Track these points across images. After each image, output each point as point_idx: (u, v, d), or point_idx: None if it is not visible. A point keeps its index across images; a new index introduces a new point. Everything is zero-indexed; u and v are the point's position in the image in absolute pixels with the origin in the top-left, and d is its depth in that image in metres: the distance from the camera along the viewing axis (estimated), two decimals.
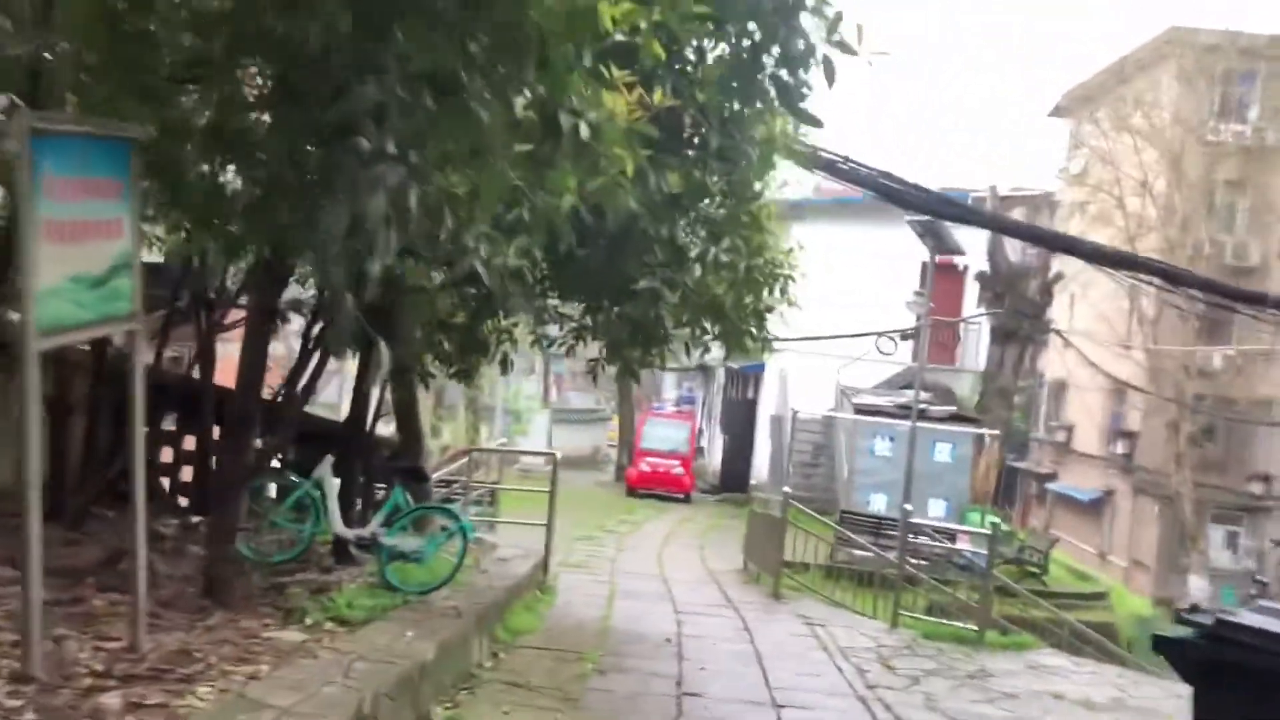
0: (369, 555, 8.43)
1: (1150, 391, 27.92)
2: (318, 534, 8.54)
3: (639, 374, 10.21)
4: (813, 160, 9.34)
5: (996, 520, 22.02)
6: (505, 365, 10.62)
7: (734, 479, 30.73)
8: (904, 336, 25.74)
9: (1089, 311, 29.64)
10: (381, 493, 9.64)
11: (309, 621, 6.01)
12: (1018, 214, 26.53)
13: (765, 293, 9.36)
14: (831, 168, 9.65)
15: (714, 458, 36.72)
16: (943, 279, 27.59)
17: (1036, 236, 10.76)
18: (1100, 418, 33.64)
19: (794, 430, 23.85)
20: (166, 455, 9.42)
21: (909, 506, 12.88)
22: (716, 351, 10.78)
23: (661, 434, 29.49)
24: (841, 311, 25.63)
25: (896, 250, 26.64)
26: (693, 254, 8.63)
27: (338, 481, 8.86)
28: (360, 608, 6.59)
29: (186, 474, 9.49)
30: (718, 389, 38.06)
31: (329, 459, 8.49)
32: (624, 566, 14.55)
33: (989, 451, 24.28)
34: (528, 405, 30.93)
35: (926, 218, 16.57)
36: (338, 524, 8.38)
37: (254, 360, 6.64)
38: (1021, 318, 24.19)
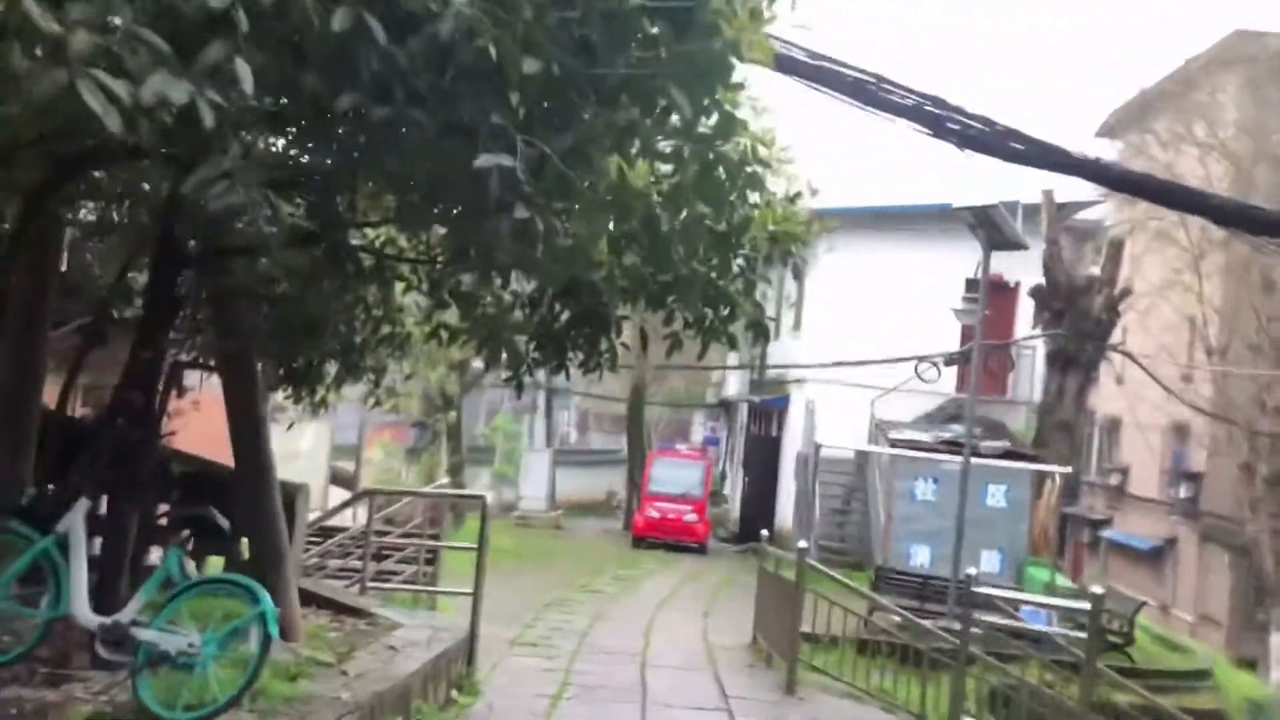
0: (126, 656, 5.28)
1: (1233, 422, 24.41)
2: (58, 619, 5.49)
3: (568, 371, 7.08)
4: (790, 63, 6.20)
5: (1048, 570, 18.70)
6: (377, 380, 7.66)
7: (756, 526, 27.27)
8: (949, 361, 22.50)
9: (1147, 342, 26.40)
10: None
11: None
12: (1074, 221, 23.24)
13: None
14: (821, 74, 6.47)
15: (734, 501, 33.36)
16: (992, 298, 24.31)
17: (1100, 174, 7.70)
18: (1160, 458, 30.33)
19: (818, 469, 20.56)
20: None
21: (971, 571, 9.59)
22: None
23: (671, 475, 26.18)
24: (876, 338, 22.43)
25: (938, 269, 23.47)
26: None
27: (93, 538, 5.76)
28: None
29: None
30: (740, 426, 34.75)
31: (82, 503, 5.38)
32: (596, 643, 11.32)
33: (1049, 494, 20.82)
34: (510, 442, 27.72)
35: (981, 205, 13.39)
36: (79, 605, 5.29)
37: None
38: (1084, 340, 20.80)
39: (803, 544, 10.02)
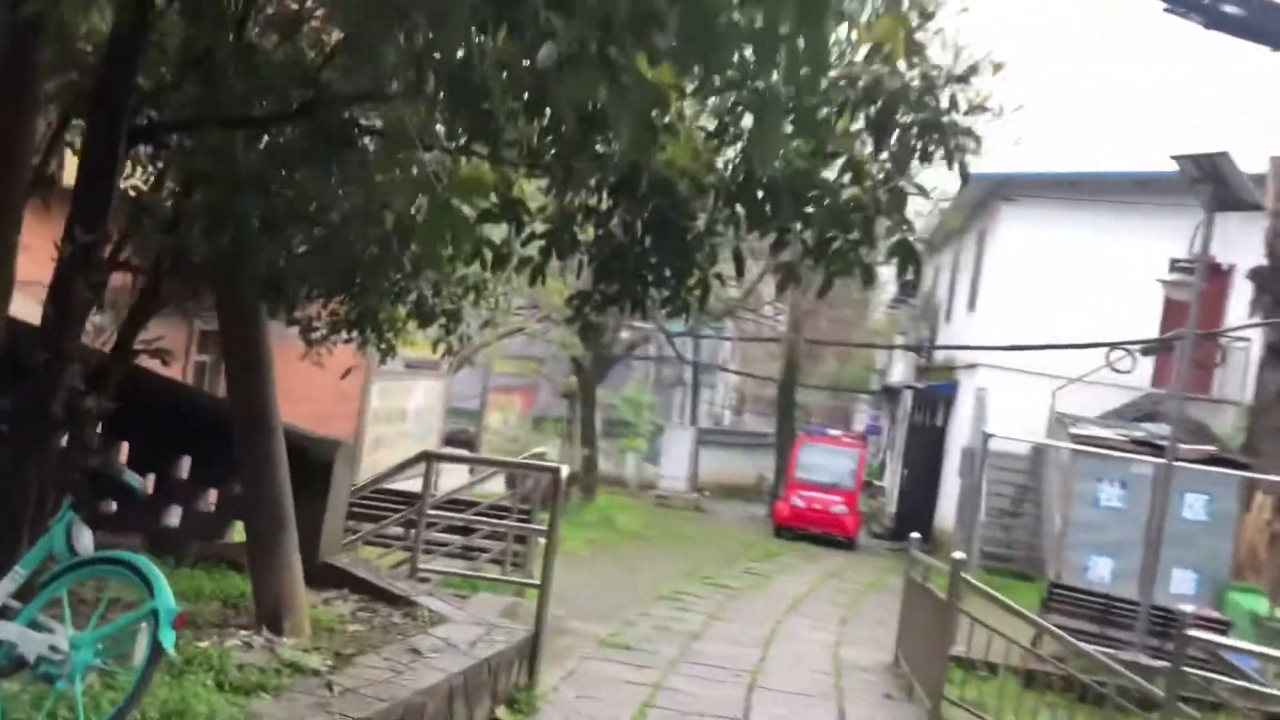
0: None
1: None
2: None
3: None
4: None
5: (1257, 598, 16.00)
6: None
7: (913, 524, 24.95)
8: (1147, 350, 19.73)
9: None
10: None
11: None
12: None
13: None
14: None
15: (891, 495, 30.98)
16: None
17: None
18: None
19: (985, 463, 18.19)
20: None
21: (1187, 607, 7.42)
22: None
23: (821, 462, 24.07)
24: (1060, 322, 19.85)
25: (1135, 247, 20.63)
26: None
27: None
28: None
29: None
30: (903, 415, 32.27)
31: None
32: (702, 651, 9.56)
33: (1259, 509, 17.91)
34: (640, 415, 25.98)
35: (1202, 152, 10.90)
36: None
37: None
38: None
39: (959, 555, 8.00)
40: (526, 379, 19.82)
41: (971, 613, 8.22)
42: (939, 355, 27.99)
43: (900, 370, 37.78)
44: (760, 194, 4.64)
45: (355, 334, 7.94)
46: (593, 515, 18.54)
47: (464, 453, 12.15)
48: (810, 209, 4.69)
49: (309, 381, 11.49)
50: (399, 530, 9.69)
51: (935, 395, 26.36)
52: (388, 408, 13.35)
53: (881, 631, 11.60)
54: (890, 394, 38.60)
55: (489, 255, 5.44)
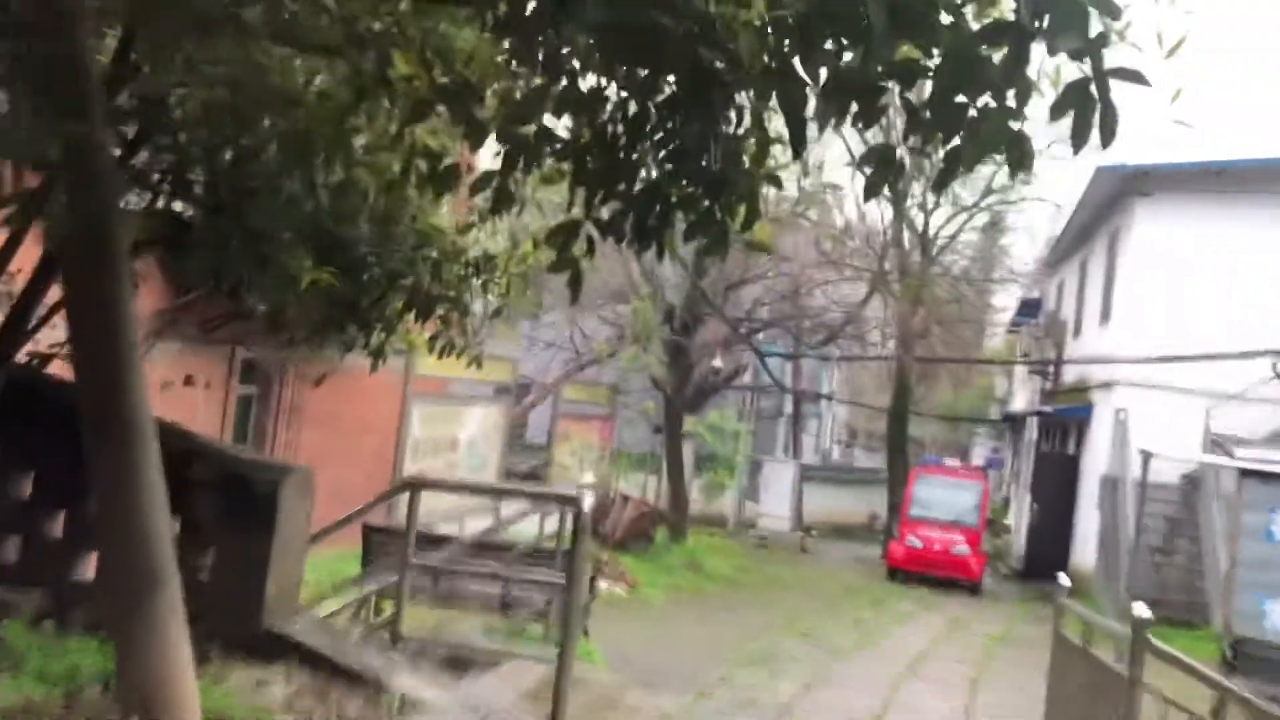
0: None
1: None
2: None
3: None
4: None
5: None
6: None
7: (1045, 563, 22.31)
8: None
9: None
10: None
11: None
12: None
13: None
14: None
15: (1019, 532, 28.19)
16: None
17: None
18: None
19: (1143, 491, 15.67)
20: None
21: None
22: None
23: (938, 497, 21.60)
24: (1209, 333, 17.26)
25: None
26: None
27: None
28: None
29: None
30: (1027, 444, 29.51)
31: None
32: None
33: None
34: (726, 444, 23.70)
35: None
36: None
37: None
38: None
39: (1142, 610, 5.82)
40: (604, 408, 17.99)
41: (1151, 683, 6.04)
42: (1069, 376, 25.32)
43: (1023, 396, 34.95)
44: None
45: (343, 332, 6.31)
46: (679, 558, 16.55)
47: (466, 481, 10.28)
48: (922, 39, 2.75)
49: (337, 408, 9.77)
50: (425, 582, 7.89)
51: (1065, 420, 23.72)
52: (433, 437, 11.65)
53: (1023, 699, 9.36)
54: (1012, 422, 35.73)
55: (424, 168, 3.60)
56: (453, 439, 12.23)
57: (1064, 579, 8.13)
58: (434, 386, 11.62)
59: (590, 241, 3.50)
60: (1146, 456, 15.31)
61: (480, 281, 5.85)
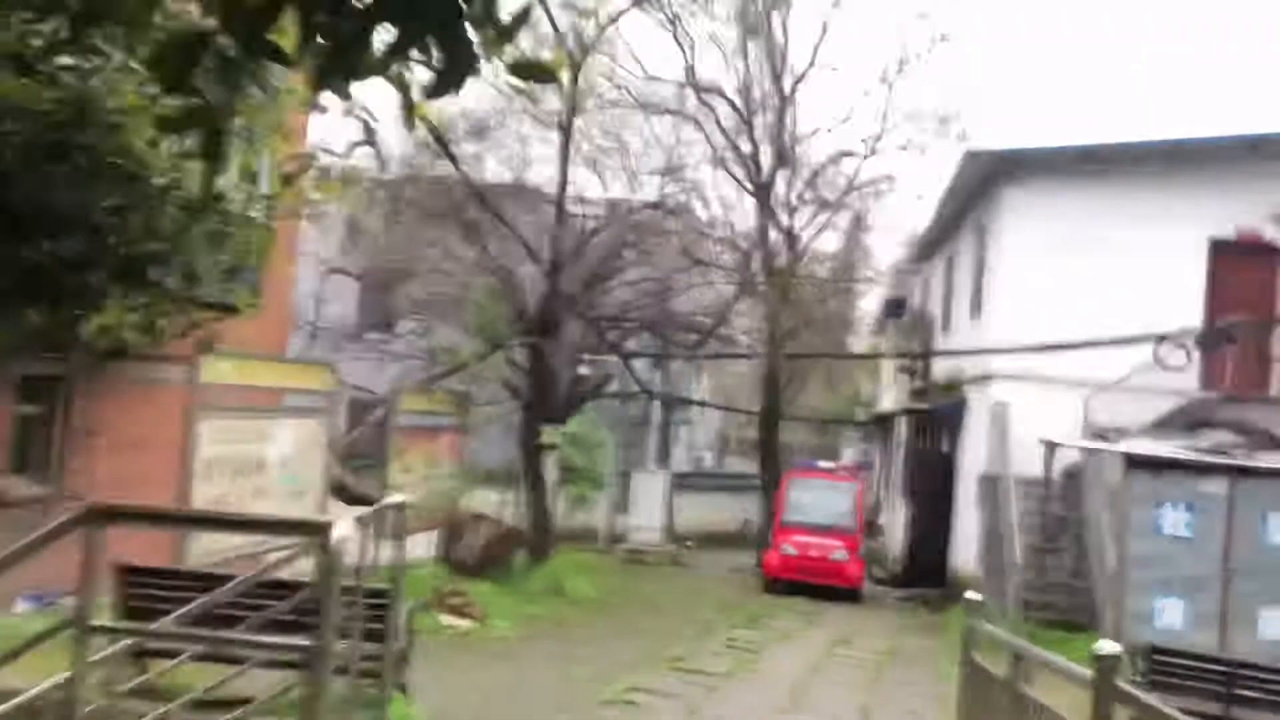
0: None
1: None
2: None
3: None
4: None
5: None
6: None
7: (925, 567, 21.51)
8: (1204, 342, 16.47)
9: None
10: None
11: None
12: None
13: None
14: None
15: (894, 535, 27.49)
16: (1251, 263, 18.09)
17: None
18: None
19: (1050, 483, 14.75)
20: None
21: None
22: None
23: (814, 501, 20.56)
24: (1085, 322, 16.58)
25: (1169, 230, 17.47)
26: None
27: None
28: None
29: None
30: (897, 443, 28.86)
31: None
32: None
33: None
34: (586, 454, 22.22)
35: None
36: None
37: None
38: None
39: (1108, 647, 4.50)
40: (455, 419, 16.27)
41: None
42: (940, 373, 24.66)
43: (891, 396, 34.44)
44: None
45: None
46: (540, 582, 14.99)
47: (171, 510, 8.46)
48: None
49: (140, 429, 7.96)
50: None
51: (938, 417, 22.98)
52: (230, 457, 9.83)
53: None
54: (882, 423, 35.20)
55: None
56: (259, 459, 10.41)
57: (973, 597, 6.86)
58: (232, 397, 9.80)
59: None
60: (1051, 447, 14.44)
61: (205, 231, 4.21)
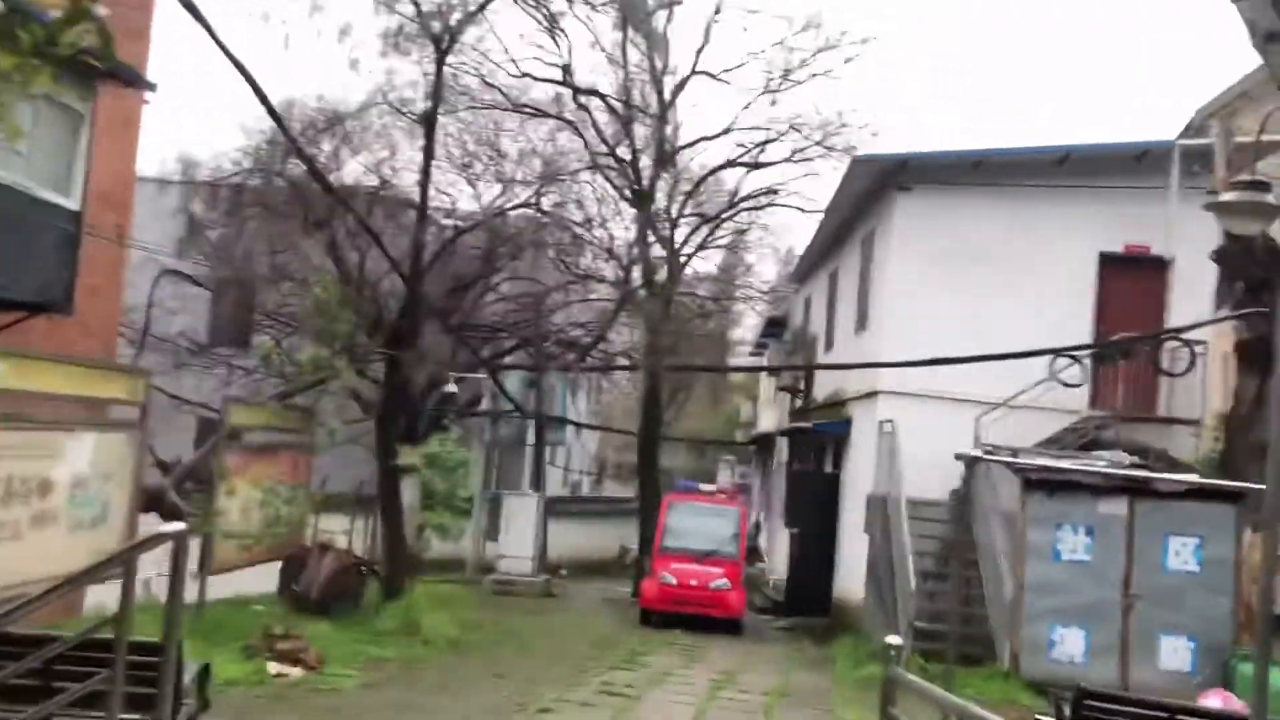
0: None
1: None
2: None
3: None
4: None
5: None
6: None
7: (808, 595, 20.55)
8: (1099, 355, 15.91)
9: None
10: None
11: None
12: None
13: None
14: None
15: (775, 561, 26.61)
16: (1136, 276, 17.68)
17: None
18: None
19: (973, 501, 13.83)
20: None
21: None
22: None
23: (694, 526, 19.39)
24: (976, 336, 15.80)
25: (1061, 239, 17.00)
26: None
27: None
28: None
29: None
30: (778, 465, 28.06)
31: None
32: None
33: (1250, 550, 14.05)
34: (447, 476, 20.65)
35: None
36: None
37: None
38: None
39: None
40: (300, 436, 14.54)
41: None
42: (821, 391, 23.89)
43: (771, 416, 33.73)
44: None
45: None
46: (393, 620, 13.39)
47: None
48: None
49: None
50: None
51: (822, 437, 22.14)
52: (8, 478, 8.10)
53: None
54: (762, 443, 34.44)
55: None
56: (43, 480, 8.68)
57: (894, 641, 5.69)
58: (6, 404, 8.09)
59: None
60: (971, 461, 13.55)
61: None
